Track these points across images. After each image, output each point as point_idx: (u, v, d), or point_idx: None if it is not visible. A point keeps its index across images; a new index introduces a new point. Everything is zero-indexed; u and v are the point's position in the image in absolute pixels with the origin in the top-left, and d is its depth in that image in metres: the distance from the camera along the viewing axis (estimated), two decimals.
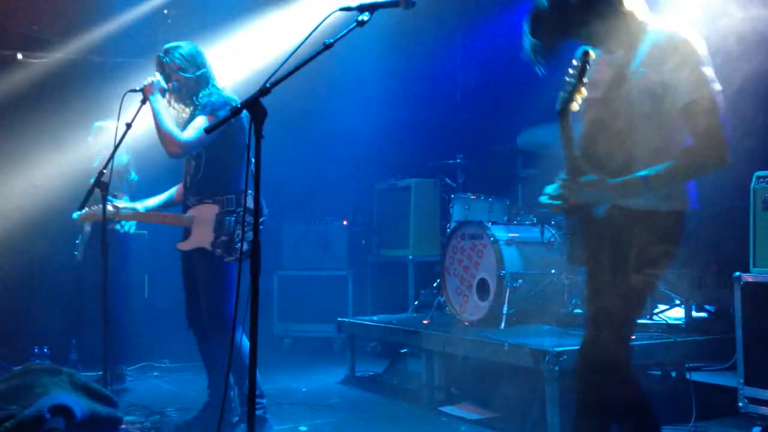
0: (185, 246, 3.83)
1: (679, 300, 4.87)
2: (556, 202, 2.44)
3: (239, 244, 3.63)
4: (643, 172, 2.27)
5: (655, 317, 4.80)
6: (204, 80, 3.81)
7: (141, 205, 4.02)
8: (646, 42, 2.36)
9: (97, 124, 5.33)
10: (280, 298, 7.18)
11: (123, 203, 4.07)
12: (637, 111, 2.33)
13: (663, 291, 4.81)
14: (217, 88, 3.83)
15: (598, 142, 2.43)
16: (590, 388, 2.41)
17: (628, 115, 2.35)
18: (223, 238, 3.71)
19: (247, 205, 3.51)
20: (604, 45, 2.47)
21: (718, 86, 2.28)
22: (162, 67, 3.79)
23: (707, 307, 4.86)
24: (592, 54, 2.33)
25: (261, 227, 3.40)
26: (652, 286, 2.45)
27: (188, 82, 3.78)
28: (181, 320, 4.02)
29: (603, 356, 2.35)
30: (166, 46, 3.86)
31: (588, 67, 2.32)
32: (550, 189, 2.48)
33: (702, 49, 2.31)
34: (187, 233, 3.85)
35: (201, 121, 3.65)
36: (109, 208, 3.73)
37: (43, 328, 5.89)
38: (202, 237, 3.76)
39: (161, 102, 3.69)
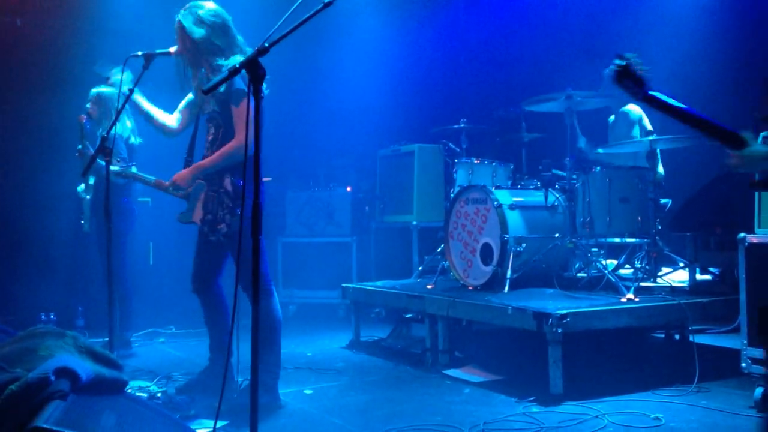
0: (181, 219, 3.86)
1: (683, 262, 4.87)
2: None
3: (221, 226, 3.65)
4: None
5: (659, 280, 4.80)
6: (218, 46, 3.65)
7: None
8: None
9: (94, 90, 5.30)
10: (284, 265, 7.21)
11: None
12: None
13: (667, 253, 4.81)
14: (233, 57, 3.61)
15: None
16: None
17: None
18: (209, 216, 3.71)
19: (236, 182, 3.56)
20: None
21: None
22: (177, 25, 3.69)
23: (711, 269, 4.86)
24: None
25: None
26: None
27: (198, 47, 3.64)
28: (188, 286, 4.03)
29: None
30: (188, 4, 3.72)
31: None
32: None
33: None
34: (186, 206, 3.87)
35: (244, 112, 3.54)
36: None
37: (50, 296, 5.94)
38: (195, 213, 3.80)
39: (208, 165, 3.70)
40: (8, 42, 6.28)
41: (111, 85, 3.94)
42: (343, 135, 7.57)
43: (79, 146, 4.80)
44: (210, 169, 3.70)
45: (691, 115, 2.35)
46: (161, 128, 3.95)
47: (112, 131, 3.71)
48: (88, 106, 5.26)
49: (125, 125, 5.28)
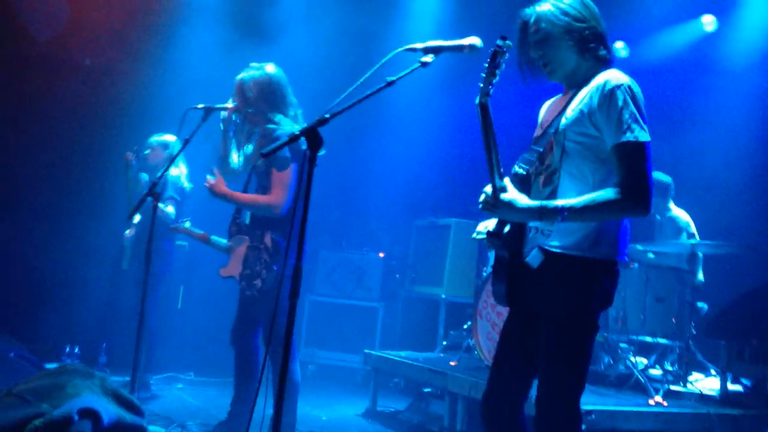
0: (222, 273, 3.92)
1: (715, 370, 4.75)
2: (483, 237, 2.52)
3: (256, 281, 3.70)
4: (561, 203, 2.29)
5: (689, 386, 4.68)
6: (272, 109, 3.77)
7: None
8: (590, 86, 2.40)
9: (154, 139, 5.48)
10: (309, 323, 7.19)
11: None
12: (569, 150, 2.38)
13: (699, 359, 4.71)
14: (284, 125, 3.71)
15: (537, 173, 2.48)
16: None
17: (561, 152, 2.39)
18: (247, 271, 3.76)
19: (276, 240, 3.60)
20: (564, 82, 2.53)
21: (647, 135, 2.29)
22: (237, 84, 3.83)
23: (744, 380, 4.74)
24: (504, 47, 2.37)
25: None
26: (585, 338, 2.36)
27: (254, 108, 3.78)
28: (212, 334, 4.07)
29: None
30: (251, 65, 3.87)
31: (500, 60, 2.37)
32: (483, 226, 2.57)
33: (637, 97, 2.33)
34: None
35: (283, 177, 3.65)
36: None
37: (78, 329, 5.99)
38: (233, 267, 3.86)
39: (238, 198, 3.80)
40: (76, 80, 6.52)
41: None
42: (381, 200, 7.63)
43: (129, 176, 4.99)
44: (241, 204, 3.79)
45: (489, 142, 2.39)
46: (226, 163, 4.00)
47: (165, 176, 3.81)
48: (147, 152, 5.45)
49: (179, 168, 5.44)
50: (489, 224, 2.57)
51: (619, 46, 6.98)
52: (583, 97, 2.38)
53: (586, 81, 2.43)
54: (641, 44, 6.90)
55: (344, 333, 7.04)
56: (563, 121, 2.40)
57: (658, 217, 5.73)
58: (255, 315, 3.91)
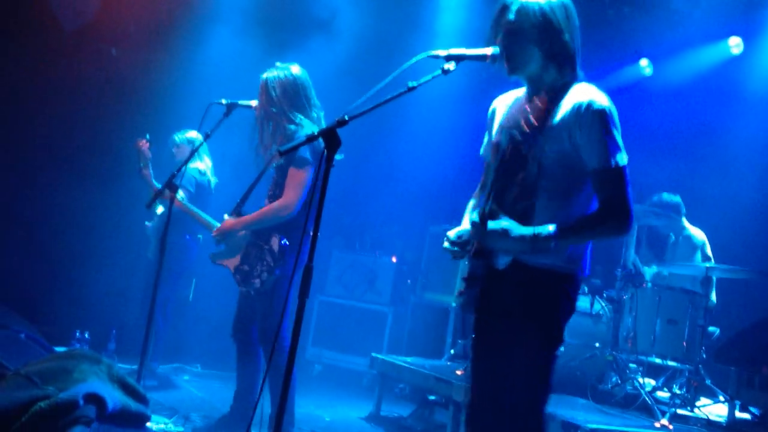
0: (216, 259, 3.94)
1: (723, 397, 4.70)
2: (454, 249, 2.52)
3: (255, 280, 3.69)
4: (553, 229, 2.27)
5: (696, 410, 4.64)
6: (293, 109, 3.78)
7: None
8: (568, 101, 2.36)
9: (178, 137, 5.53)
10: (317, 323, 7.19)
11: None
12: (546, 166, 2.35)
13: (708, 384, 4.67)
14: (306, 126, 3.73)
15: (506, 187, 2.44)
16: None
17: (538, 167, 2.36)
18: (245, 267, 3.76)
19: (283, 244, 3.59)
20: (526, 84, 2.49)
21: (626, 158, 2.31)
22: (261, 83, 3.85)
23: (752, 409, 4.69)
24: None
25: None
26: (551, 350, 2.40)
27: (276, 107, 3.79)
28: (221, 328, 4.08)
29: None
30: (276, 64, 3.88)
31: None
32: (454, 232, 2.55)
33: (616, 120, 2.33)
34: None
35: (298, 176, 3.68)
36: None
37: (89, 314, 6.03)
38: (229, 258, 3.88)
39: (248, 220, 3.78)
40: (101, 68, 6.59)
41: None
42: (397, 204, 7.61)
43: (141, 165, 5.02)
44: (253, 225, 3.78)
45: None
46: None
47: (183, 169, 3.84)
48: (173, 150, 5.51)
49: (204, 162, 5.49)
50: (462, 233, 2.58)
51: (644, 64, 6.94)
52: (563, 114, 2.34)
53: (556, 92, 2.40)
54: (666, 63, 6.86)
55: (352, 335, 7.03)
56: (539, 136, 2.36)
57: (672, 237, 5.69)
58: (252, 309, 3.91)
